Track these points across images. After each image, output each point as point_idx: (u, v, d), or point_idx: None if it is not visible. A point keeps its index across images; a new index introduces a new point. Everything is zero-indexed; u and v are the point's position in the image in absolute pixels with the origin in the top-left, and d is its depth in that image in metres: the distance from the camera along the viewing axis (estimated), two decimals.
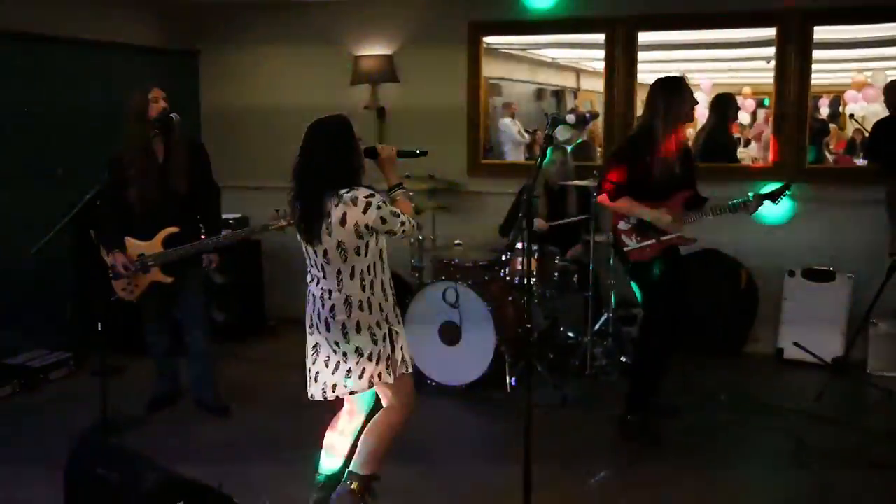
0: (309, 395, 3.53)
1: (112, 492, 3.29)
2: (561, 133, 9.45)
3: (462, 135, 6.79)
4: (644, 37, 6.42)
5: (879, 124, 6.12)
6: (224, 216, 5.68)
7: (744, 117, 9.19)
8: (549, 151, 5.98)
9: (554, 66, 11.36)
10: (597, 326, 5.81)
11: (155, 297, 4.90)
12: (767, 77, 6.27)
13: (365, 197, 3.26)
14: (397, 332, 3.48)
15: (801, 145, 6.09)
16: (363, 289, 3.36)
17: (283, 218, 4.73)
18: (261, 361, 6.25)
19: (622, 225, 4.69)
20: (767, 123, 6.94)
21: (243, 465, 4.29)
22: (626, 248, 4.66)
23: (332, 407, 3.68)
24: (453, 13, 6.69)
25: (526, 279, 3.59)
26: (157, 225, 4.75)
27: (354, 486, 3.52)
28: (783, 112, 6.08)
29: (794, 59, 5.98)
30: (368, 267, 3.37)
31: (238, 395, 5.29)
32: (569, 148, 7.04)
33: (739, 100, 8.51)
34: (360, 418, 3.68)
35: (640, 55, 6.42)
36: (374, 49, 6.85)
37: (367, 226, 3.27)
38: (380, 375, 3.39)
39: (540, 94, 11.84)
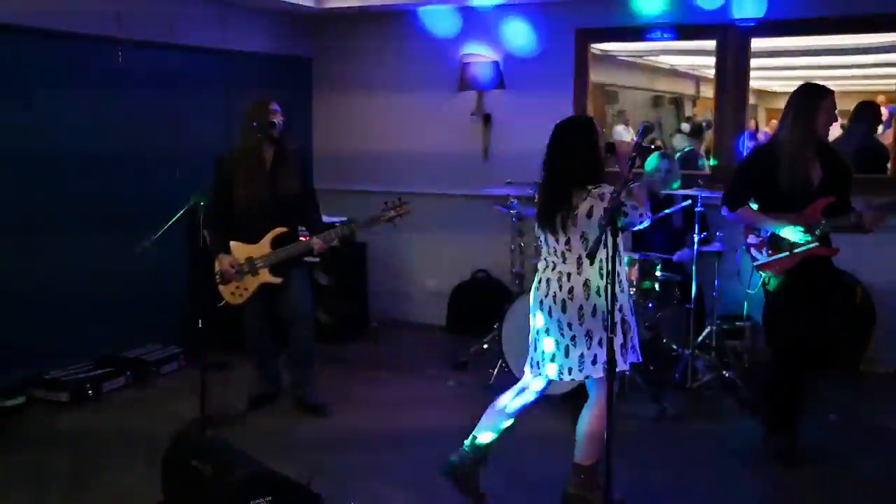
0: (533, 374, 3.82)
1: (204, 483, 3.42)
2: (678, 142, 9.27)
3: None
4: (760, 43, 6.21)
5: None
6: (331, 219, 5.75)
7: None
8: (655, 158, 5.87)
9: (672, 72, 11.13)
10: (699, 339, 5.65)
11: (259, 298, 4.98)
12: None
13: (611, 193, 3.44)
14: (629, 324, 3.63)
15: None
16: (601, 276, 3.54)
17: (392, 209, 4.80)
18: (362, 363, 6.31)
19: (751, 239, 4.55)
20: None
21: (338, 465, 4.34)
22: (755, 263, 4.52)
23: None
24: (560, 19, 6.64)
25: (608, 287, 3.51)
26: (260, 228, 4.87)
27: (582, 475, 3.75)
28: None
29: None
30: (606, 258, 3.47)
31: (337, 396, 5.36)
32: (676, 156, 6.87)
33: None
34: (530, 401, 3.85)
35: (758, 62, 6.22)
36: (480, 55, 6.89)
37: None
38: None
39: (657, 101, 11.60)
